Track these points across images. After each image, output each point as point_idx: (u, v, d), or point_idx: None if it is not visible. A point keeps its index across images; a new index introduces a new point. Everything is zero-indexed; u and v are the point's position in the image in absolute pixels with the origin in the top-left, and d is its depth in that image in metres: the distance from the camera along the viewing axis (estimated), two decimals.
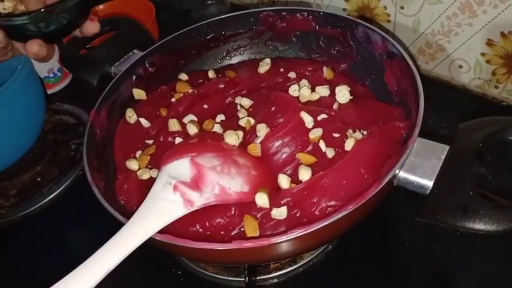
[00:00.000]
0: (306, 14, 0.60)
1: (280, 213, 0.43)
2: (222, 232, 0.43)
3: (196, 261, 0.53)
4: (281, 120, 0.50)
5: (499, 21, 0.58)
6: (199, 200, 0.42)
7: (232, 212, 0.43)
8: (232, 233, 0.43)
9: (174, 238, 0.38)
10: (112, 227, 0.40)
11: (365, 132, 0.48)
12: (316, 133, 0.48)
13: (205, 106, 0.57)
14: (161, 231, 0.39)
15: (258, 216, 0.43)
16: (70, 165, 0.69)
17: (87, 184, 0.45)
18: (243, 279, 0.50)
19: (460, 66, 0.67)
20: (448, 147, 0.41)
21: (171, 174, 0.43)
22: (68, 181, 0.67)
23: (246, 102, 0.55)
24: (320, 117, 0.49)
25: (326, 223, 0.37)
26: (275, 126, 0.49)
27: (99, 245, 0.40)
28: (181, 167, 0.44)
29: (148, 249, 0.41)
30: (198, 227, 0.44)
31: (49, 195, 0.66)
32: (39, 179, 0.68)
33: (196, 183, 0.42)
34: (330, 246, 0.51)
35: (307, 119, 0.49)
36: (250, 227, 0.42)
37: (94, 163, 0.48)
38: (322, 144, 0.47)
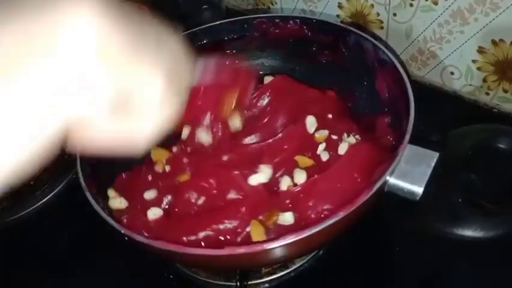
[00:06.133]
0: (298, 21, 0.60)
1: (286, 218, 0.44)
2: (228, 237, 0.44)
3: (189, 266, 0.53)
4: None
5: (490, 29, 0.59)
6: None
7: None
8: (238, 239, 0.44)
9: (165, 244, 0.38)
10: (104, 231, 0.40)
11: (357, 137, 0.49)
12: (322, 133, 0.49)
13: None
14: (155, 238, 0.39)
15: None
16: (63, 169, 0.68)
17: (80, 188, 0.45)
18: (235, 283, 0.50)
19: (452, 73, 0.67)
20: (437, 154, 0.41)
21: None
22: (61, 184, 0.66)
23: None
24: None
25: (317, 229, 0.37)
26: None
27: (90, 249, 0.40)
28: None
29: (140, 254, 0.41)
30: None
31: (42, 198, 0.65)
32: (32, 182, 0.68)
33: None
34: (321, 251, 0.52)
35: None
36: (257, 232, 0.43)
37: (88, 169, 0.48)
38: (322, 146, 0.48)
